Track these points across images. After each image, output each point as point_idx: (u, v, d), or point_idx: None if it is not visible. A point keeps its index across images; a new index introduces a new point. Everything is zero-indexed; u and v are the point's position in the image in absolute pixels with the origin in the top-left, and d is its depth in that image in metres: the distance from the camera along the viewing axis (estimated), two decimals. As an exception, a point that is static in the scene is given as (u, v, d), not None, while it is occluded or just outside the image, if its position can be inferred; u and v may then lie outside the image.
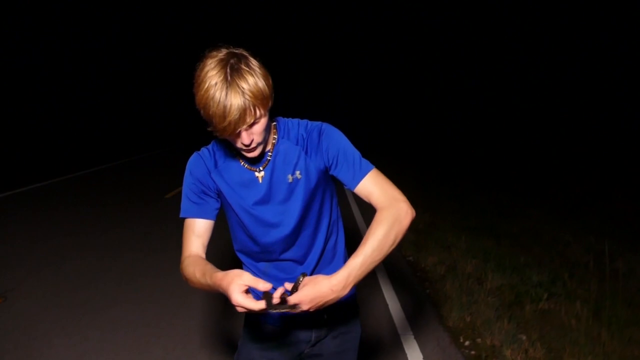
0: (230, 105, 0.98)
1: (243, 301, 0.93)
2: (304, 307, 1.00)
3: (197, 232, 1.21)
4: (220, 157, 1.23)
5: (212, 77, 0.99)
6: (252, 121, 1.03)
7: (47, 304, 3.38)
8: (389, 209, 1.09)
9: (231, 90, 0.98)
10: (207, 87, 0.99)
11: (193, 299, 3.41)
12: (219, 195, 1.23)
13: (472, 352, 2.82)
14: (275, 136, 1.21)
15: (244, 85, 0.99)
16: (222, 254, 3.10)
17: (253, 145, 1.09)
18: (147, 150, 13.74)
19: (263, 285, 0.94)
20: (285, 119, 1.25)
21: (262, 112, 1.04)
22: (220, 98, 0.98)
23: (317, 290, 0.99)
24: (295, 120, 1.25)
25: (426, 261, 4.29)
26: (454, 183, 8.42)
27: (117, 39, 18.15)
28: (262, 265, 1.29)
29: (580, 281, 3.81)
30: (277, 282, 1.28)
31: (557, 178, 8.97)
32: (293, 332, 1.33)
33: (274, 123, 1.22)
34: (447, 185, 8.27)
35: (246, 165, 1.20)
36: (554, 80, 13.19)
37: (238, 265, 1.36)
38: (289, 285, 1.04)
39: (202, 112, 1.03)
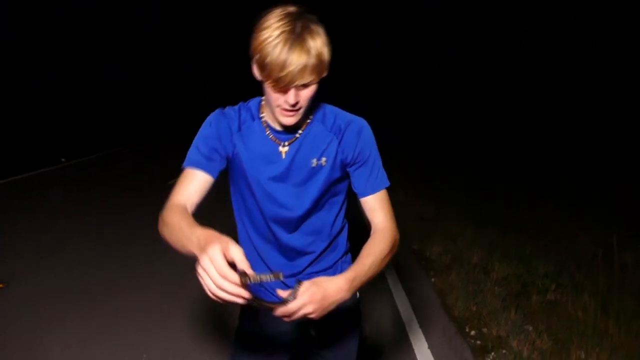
0: (293, 58, 0.94)
1: (217, 258, 0.76)
2: (310, 309, 0.90)
3: (197, 184, 1.11)
4: (246, 121, 1.17)
5: (280, 26, 0.95)
6: (308, 81, 0.98)
7: (49, 290, 3.36)
8: (391, 235, 1.13)
9: (298, 43, 0.94)
10: (273, 33, 0.94)
11: (197, 286, 3.38)
12: (229, 160, 1.17)
13: (478, 342, 2.80)
14: (311, 116, 1.16)
15: (312, 43, 0.95)
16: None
17: (297, 107, 1.03)
18: (149, 137, 13.67)
19: (244, 266, 0.79)
20: (324, 103, 1.20)
21: (318, 77, 1.00)
22: (284, 48, 0.93)
23: (324, 289, 0.92)
24: (334, 107, 1.20)
25: (431, 250, 4.26)
26: (459, 173, 8.36)
27: (125, 25, 17.87)
28: (261, 244, 1.23)
29: (587, 273, 3.77)
30: (277, 267, 1.23)
31: (564, 169, 8.89)
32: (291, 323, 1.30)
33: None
34: (451, 175, 8.21)
35: (271, 136, 1.14)
36: (561, 70, 13.03)
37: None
38: (284, 293, 0.91)
39: (257, 56, 0.98)
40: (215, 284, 0.78)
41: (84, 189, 6.83)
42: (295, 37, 0.94)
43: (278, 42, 0.93)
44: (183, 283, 3.44)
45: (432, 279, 3.67)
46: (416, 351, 2.68)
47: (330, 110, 1.18)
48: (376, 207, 1.15)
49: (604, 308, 3.15)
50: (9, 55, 13.71)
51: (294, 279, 1.02)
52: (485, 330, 2.91)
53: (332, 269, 1.28)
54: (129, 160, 9.95)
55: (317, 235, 1.23)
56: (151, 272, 3.67)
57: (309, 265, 1.25)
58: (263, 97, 1.16)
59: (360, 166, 1.16)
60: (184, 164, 1.13)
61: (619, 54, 11.55)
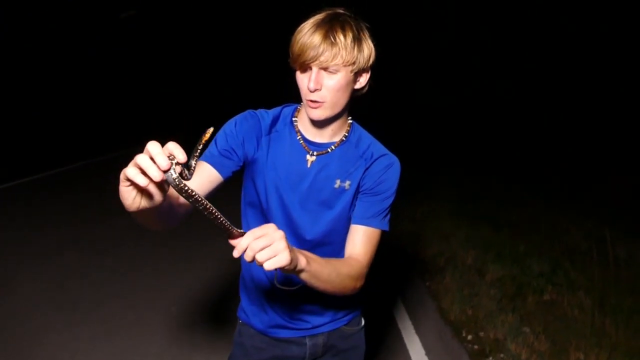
0: (315, 39, 0.95)
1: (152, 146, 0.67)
2: (265, 241, 0.75)
3: (199, 177, 1.00)
4: (277, 124, 1.13)
5: (315, 19, 0.99)
6: (327, 64, 0.96)
7: (37, 301, 3.25)
8: (362, 271, 1.06)
9: (323, 29, 0.96)
10: (306, 25, 0.98)
11: (188, 296, 3.31)
12: (248, 163, 1.11)
13: (475, 347, 2.75)
14: (347, 134, 1.12)
15: (339, 34, 0.95)
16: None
17: (318, 98, 0.99)
18: (143, 141, 13.49)
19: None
20: (362, 128, 1.17)
21: (341, 67, 0.97)
22: (309, 31, 0.96)
23: (266, 227, 0.78)
24: (371, 136, 1.17)
25: (425, 253, 4.20)
26: (450, 170, 8.33)
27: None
28: None
29: (581, 270, 3.74)
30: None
31: (554, 163, 8.92)
32: (285, 345, 1.25)
33: (350, 122, 1.14)
34: (442, 173, 8.19)
35: (302, 142, 1.10)
36: (546, 67, 13.08)
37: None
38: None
39: (291, 48, 1.00)
40: (139, 163, 0.67)
41: (72, 196, 6.68)
42: (324, 25, 0.96)
43: (308, 30, 0.97)
44: (177, 294, 3.37)
45: (427, 283, 3.62)
46: (413, 358, 2.63)
47: (366, 137, 1.16)
48: (362, 241, 1.08)
49: (601, 305, 3.12)
50: (5, 59, 13.28)
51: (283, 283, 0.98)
52: (482, 333, 2.87)
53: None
54: (121, 166, 9.78)
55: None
56: (144, 281, 3.58)
57: None
58: (301, 103, 1.13)
59: (371, 195, 1.11)
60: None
61: (607, 51, 11.62)
